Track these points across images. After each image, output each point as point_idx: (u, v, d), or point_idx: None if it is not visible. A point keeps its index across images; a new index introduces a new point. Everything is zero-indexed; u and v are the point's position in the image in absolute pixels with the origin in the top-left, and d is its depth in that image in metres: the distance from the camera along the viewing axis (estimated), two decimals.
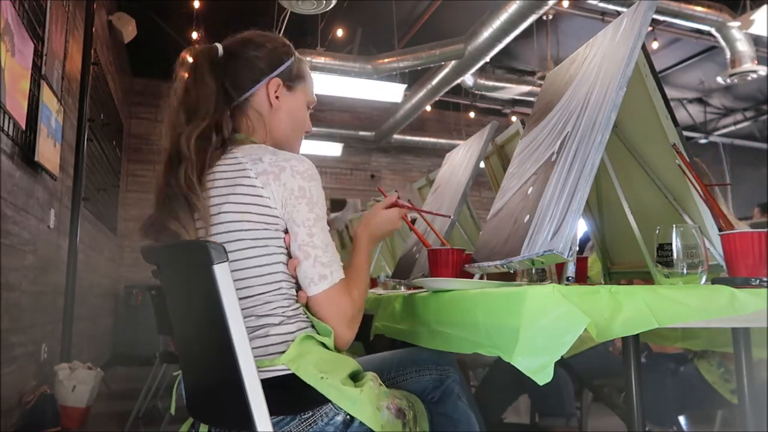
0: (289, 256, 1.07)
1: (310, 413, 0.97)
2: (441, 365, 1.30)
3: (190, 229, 1.04)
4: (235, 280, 1.01)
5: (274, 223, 1.05)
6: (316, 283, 1.05)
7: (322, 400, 0.97)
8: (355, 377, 1.05)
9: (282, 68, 1.20)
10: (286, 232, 1.07)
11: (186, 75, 1.16)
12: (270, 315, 1.04)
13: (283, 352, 1.00)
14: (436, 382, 1.27)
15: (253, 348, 0.99)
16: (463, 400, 1.27)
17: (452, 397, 1.27)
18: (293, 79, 1.22)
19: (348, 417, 0.98)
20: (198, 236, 1.05)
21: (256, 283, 1.04)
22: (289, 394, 0.98)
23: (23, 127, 2.80)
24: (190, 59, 1.18)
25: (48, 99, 3.18)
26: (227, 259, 0.91)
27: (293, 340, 1.02)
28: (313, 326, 1.08)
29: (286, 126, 1.22)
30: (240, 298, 1.02)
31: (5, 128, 2.59)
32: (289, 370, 0.98)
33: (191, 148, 1.06)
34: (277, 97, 1.20)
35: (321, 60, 5.54)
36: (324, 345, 1.05)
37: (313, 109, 1.31)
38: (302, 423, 0.97)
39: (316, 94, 1.30)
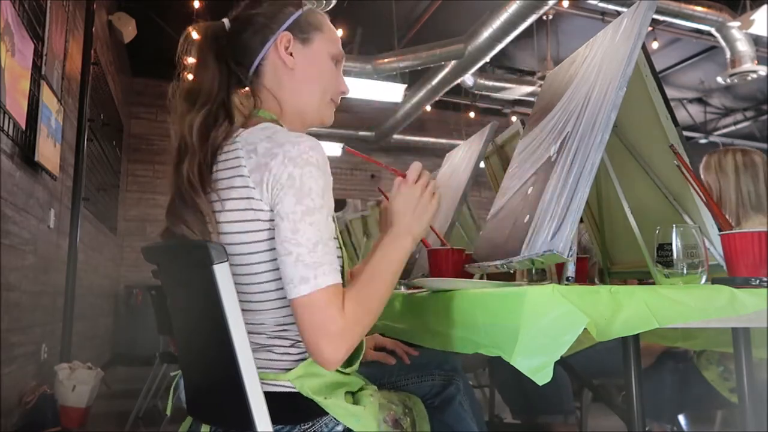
0: None
1: (310, 424, 0.96)
2: (444, 371, 1.27)
3: (201, 234, 0.94)
4: (243, 300, 0.95)
5: (272, 228, 0.92)
6: (295, 285, 0.87)
7: (323, 412, 0.96)
8: (354, 392, 1.03)
9: (289, 21, 1.06)
10: None
11: (190, 57, 1.04)
12: (280, 337, 0.98)
13: (290, 369, 0.96)
14: (438, 388, 1.25)
15: (257, 359, 0.95)
16: (465, 407, 1.24)
17: (453, 404, 1.24)
18: (306, 31, 1.07)
19: (347, 428, 0.97)
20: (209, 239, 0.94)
21: (266, 307, 0.97)
22: (291, 407, 0.96)
23: (23, 127, 2.80)
24: (195, 37, 1.06)
25: (48, 99, 3.18)
26: (227, 259, 0.91)
27: (303, 360, 0.97)
28: None
29: (310, 86, 1.07)
30: (247, 316, 0.96)
31: (5, 128, 2.59)
32: (293, 387, 0.95)
33: (194, 138, 0.96)
34: (291, 54, 1.05)
35: None
36: (337, 370, 0.99)
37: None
38: None
39: None
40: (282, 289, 0.92)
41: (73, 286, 3.97)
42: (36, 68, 3.00)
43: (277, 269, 0.92)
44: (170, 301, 1.15)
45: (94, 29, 4.35)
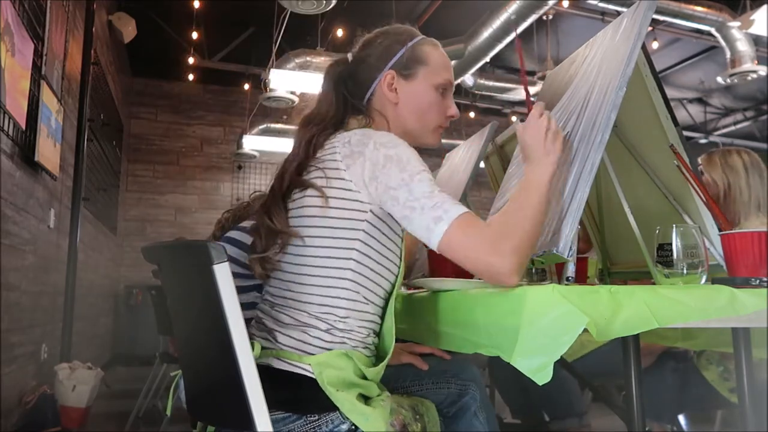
0: (367, 264, 1.02)
1: (317, 417, 0.97)
2: (461, 380, 1.25)
3: (279, 225, 1.04)
4: (295, 272, 1.04)
5: (353, 209, 1.01)
6: (432, 229, 0.93)
7: (331, 408, 0.97)
8: (366, 397, 1.03)
9: (394, 60, 1.16)
10: (372, 225, 1.02)
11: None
12: (320, 319, 1.01)
13: (315, 355, 0.99)
14: (453, 396, 1.23)
15: (290, 337, 1.01)
16: (480, 418, 1.22)
17: (468, 414, 1.22)
18: (409, 67, 1.16)
19: (353, 427, 0.97)
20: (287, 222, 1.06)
21: (316, 282, 1.02)
22: (302, 395, 0.97)
23: (23, 127, 2.80)
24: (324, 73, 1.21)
25: (48, 99, 3.18)
26: (227, 259, 0.91)
27: (330, 350, 1.00)
28: (364, 348, 1.05)
29: (413, 117, 1.17)
30: (301, 284, 1.03)
31: (5, 128, 2.59)
32: (311, 373, 0.97)
33: (302, 147, 1.10)
34: (395, 90, 1.15)
35: (321, 60, 5.53)
36: (361, 372, 1.01)
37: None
38: (307, 425, 0.97)
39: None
40: (335, 267, 1.01)
41: (73, 286, 3.97)
42: (36, 68, 3.00)
43: (339, 248, 1.01)
44: (170, 301, 1.15)
45: (94, 29, 4.35)
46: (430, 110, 1.17)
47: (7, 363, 2.76)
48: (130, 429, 3.25)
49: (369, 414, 0.96)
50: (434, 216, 0.93)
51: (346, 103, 1.19)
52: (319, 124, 1.13)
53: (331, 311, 1.01)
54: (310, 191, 1.05)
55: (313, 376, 0.97)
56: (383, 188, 0.98)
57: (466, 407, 1.23)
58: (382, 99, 1.17)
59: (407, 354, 1.30)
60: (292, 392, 0.97)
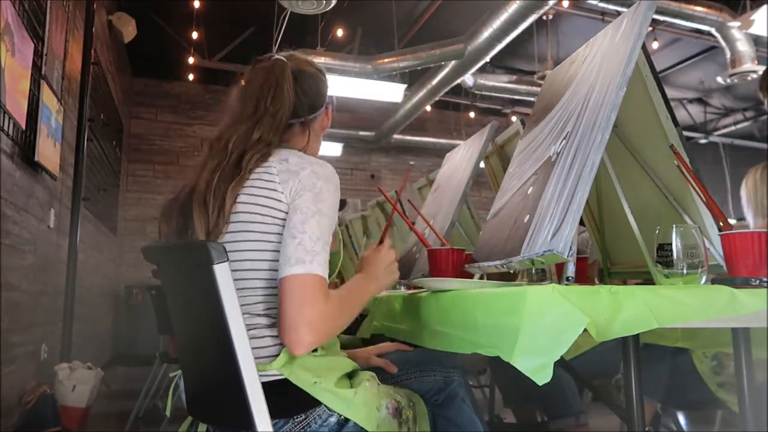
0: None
1: (303, 416, 0.98)
2: (446, 367, 1.28)
3: (202, 225, 1.05)
4: (236, 277, 1.02)
5: (281, 218, 1.05)
6: (291, 265, 0.98)
7: (315, 402, 0.98)
8: (351, 376, 1.05)
9: (329, 95, 1.31)
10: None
11: (266, 80, 1.19)
12: (263, 315, 1.04)
13: (276, 356, 1.00)
14: (440, 384, 1.26)
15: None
16: (468, 403, 1.25)
17: (456, 400, 1.25)
18: (332, 102, 1.33)
19: (342, 418, 0.98)
20: (210, 227, 1.05)
21: (255, 284, 1.04)
22: (282, 399, 0.98)
23: (23, 127, 2.80)
24: (268, 65, 1.23)
25: (48, 99, 3.18)
26: (227, 259, 0.91)
27: (283, 346, 1.01)
28: None
29: (320, 141, 1.32)
30: (238, 292, 1.02)
31: (5, 128, 2.59)
32: (281, 375, 0.98)
33: (252, 158, 1.09)
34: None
35: (321, 60, 5.54)
36: (315, 350, 1.04)
37: None
38: (296, 426, 0.97)
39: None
40: (270, 261, 1.05)
41: (73, 286, 3.97)
42: (36, 68, 3.00)
43: (270, 251, 1.04)
44: (170, 301, 1.15)
45: (94, 29, 4.35)
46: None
47: (7, 363, 2.76)
48: (130, 429, 3.25)
49: (351, 400, 0.98)
50: (300, 257, 0.98)
51: (296, 112, 1.22)
52: (278, 130, 1.15)
53: (272, 305, 1.05)
54: (240, 198, 1.07)
55: (284, 377, 0.98)
56: (292, 204, 1.04)
57: (454, 393, 1.26)
58: (319, 123, 1.29)
59: (375, 358, 1.33)
60: (273, 401, 0.96)
